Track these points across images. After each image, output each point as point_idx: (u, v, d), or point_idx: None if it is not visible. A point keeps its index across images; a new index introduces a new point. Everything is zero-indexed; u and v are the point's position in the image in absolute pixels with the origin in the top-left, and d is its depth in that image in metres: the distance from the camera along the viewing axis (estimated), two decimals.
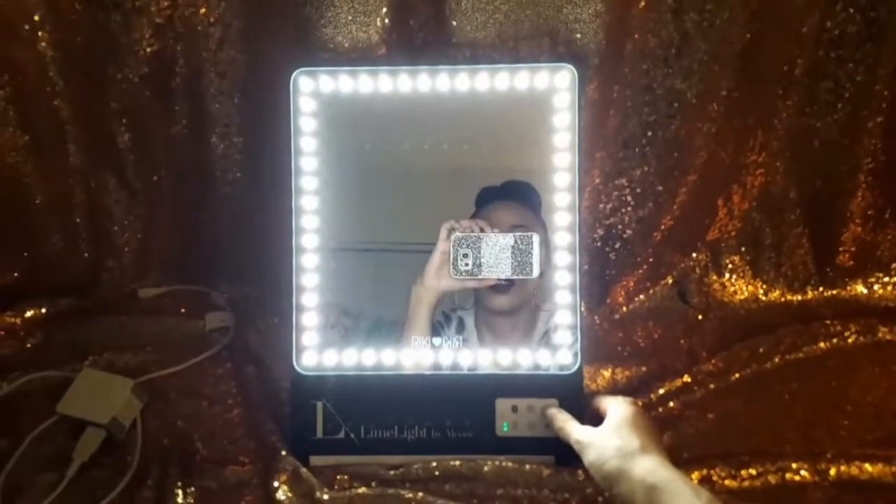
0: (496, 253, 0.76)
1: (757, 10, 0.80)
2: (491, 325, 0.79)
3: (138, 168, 0.91)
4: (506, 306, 0.79)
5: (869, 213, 0.94)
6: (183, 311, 0.97)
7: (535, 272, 0.76)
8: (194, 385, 0.87)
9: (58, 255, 0.94)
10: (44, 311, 0.95)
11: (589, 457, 0.67)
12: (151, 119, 0.88)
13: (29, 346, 0.92)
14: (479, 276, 0.77)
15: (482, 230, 0.76)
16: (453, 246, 0.76)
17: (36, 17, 0.79)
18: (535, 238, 0.76)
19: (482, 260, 0.76)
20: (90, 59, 0.83)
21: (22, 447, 0.78)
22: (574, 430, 0.71)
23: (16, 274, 0.94)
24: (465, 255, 0.76)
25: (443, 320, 0.79)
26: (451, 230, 0.77)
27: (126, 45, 0.82)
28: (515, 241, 0.76)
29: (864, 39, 0.83)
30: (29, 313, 0.94)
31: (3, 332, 0.92)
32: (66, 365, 0.88)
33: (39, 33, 0.79)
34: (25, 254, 0.93)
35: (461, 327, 0.79)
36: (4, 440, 0.79)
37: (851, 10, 0.81)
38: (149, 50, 0.83)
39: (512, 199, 0.79)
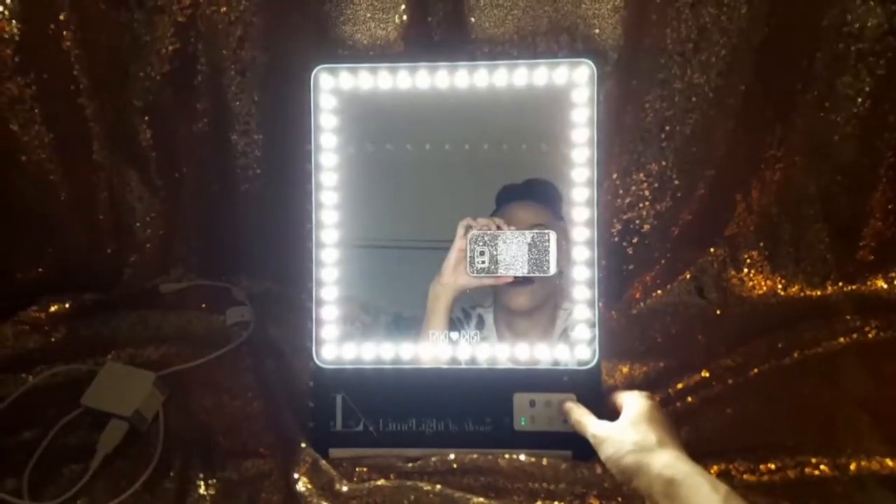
0: (513, 250, 0.76)
1: (776, 3, 0.80)
2: (510, 323, 0.80)
3: (160, 165, 0.93)
4: (524, 306, 0.79)
5: (889, 207, 0.92)
6: (204, 305, 0.99)
7: (552, 270, 0.76)
8: (215, 378, 0.88)
9: (81, 251, 0.95)
10: (67, 305, 0.96)
11: (606, 451, 0.67)
12: (173, 116, 0.89)
13: (53, 340, 0.93)
14: (496, 274, 0.77)
15: (499, 228, 0.77)
16: (470, 243, 0.77)
17: (61, 17, 0.80)
18: (552, 236, 0.76)
19: (499, 257, 0.76)
20: (113, 57, 0.84)
21: (47, 439, 0.80)
22: (591, 425, 0.71)
23: (40, 269, 0.96)
24: (482, 253, 0.76)
25: (462, 317, 0.79)
26: (468, 228, 0.77)
27: (148, 43, 0.83)
28: (532, 239, 0.76)
29: (885, 33, 0.82)
30: (53, 308, 0.96)
31: (27, 327, 0.94)
32: (90, 358, 0.90)
33: (64, 32, 0.81)
34: (50, 249, 0.95)
35: (481, 325, 0.79)
36: (30, 432, 0.81)
37: (872, 3, 0.80)
38: (171, 48, 0.84)
39: (532, 198, 0.79)
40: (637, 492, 0.62)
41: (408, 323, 0.79)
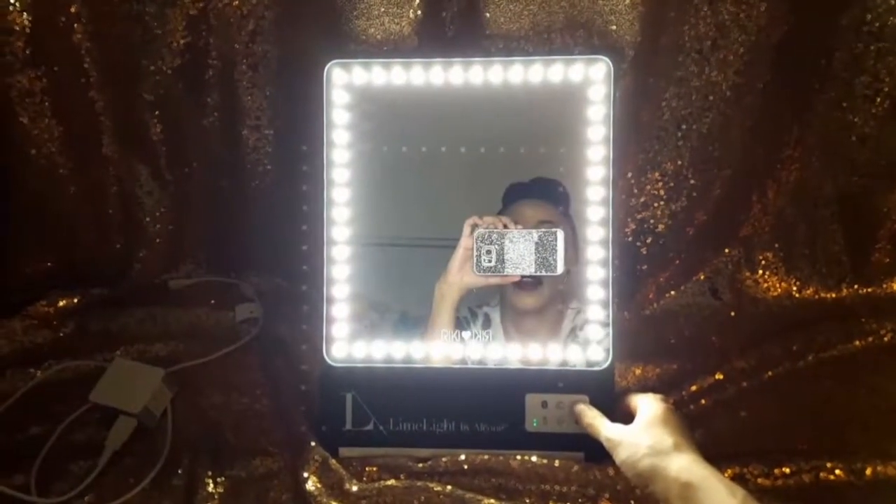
0: (519, 249, 0.75)
1: (795, 1, 0.79)
2: (517, 322, 0.79)
3: (170, 159, 0.92)
4: (532, 306, 0.78)
5: None
6: (213, 302, 0.98)
7: (559, 269, 0.75)
8: (224, 375, 0.88)
9: (90, 246, 0.95)
10: (76, 300, 0.96)
11: (621, 455, 0.66)
12: (184, 111, 0.88)
13: (62, 335, 0.93)
14: (503, 273, 0.76)
15: (505, 226, 0.76)
16: (476, 242, 0.76)
17: (72, 9, 0.79)
18: (560, 234, 0.75)
19: (505, 256, 0.76)
20: (124, 50, 0.84)
21: (55, 435, 0.80)
22: (604, 428, 0.71)
23: (49, 264, 0.95)
24: (489, 252, 0.76)
25: (469, 316, 0.79)
26: (475, 226, 0.76)
27: (160, 37, 0.83)
28: (539, 238, 0.75)
29: None
30: (62, 303, 0.95)
31: (36, 322, 0.93)
32: (98, 354, 0.89)
33: (75, 25, 0.80)
34: (58, 244, 0.94)
35: (487, 324, 0.79)
36: (38, 428, 0.81)
37: (892, 2, 0.79)
38: (182, 42, 0.83)
39: (539, 196, 0.78)
40: (654, 496, 0.62)
41: (414, 321, 0.79)
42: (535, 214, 0.77)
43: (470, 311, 0.79)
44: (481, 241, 0.76)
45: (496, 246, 0.75)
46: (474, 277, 0.76)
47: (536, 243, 0.75)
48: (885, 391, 0.84)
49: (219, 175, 0.94)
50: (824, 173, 0.91)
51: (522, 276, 0.76)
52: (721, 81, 0.82)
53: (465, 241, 0.76)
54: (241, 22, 0.82)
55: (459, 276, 0.77)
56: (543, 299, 0.78)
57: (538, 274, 0.76)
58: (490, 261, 0.75)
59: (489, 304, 0.79)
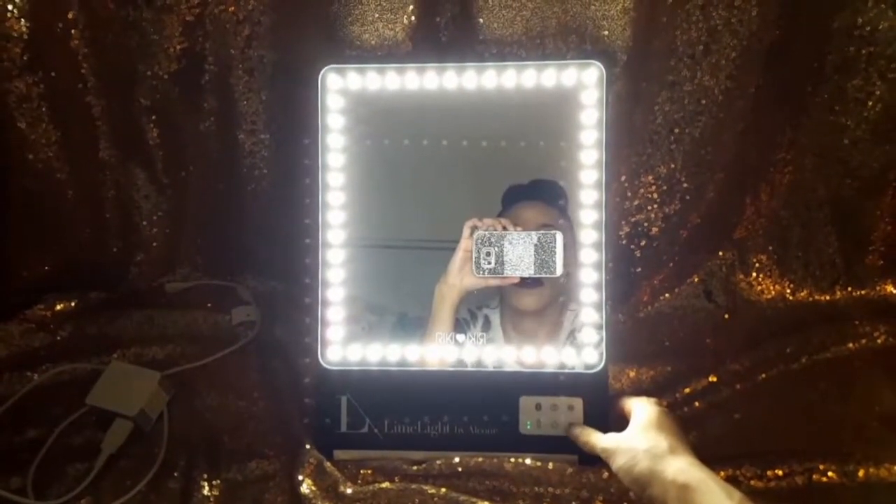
0: (519, 251, 0.76)
1: (787, 5, 0.79)
2: (517, 323, 0.79)
3: (167, 164, 0.93)
4: (532, 306, 0.78)
5: None
6: (209, 305, 0.99)
7: (558, 271, 0.75)
8: (220, 378, 0.88)
9: (87, 249, 0.95)
10: (73, 304, 0.97)
11: (618, 461, 0.66)
12: (180, 115, 0.89)
13: (59, 338, 0.93)
14: (502, 275, 0.76)
15: (505, 228, 0.76)
16: (476, 244, 0.76)
17: (69, 15, 0.80)
18: (559, 236, 0.75)
19: (505, 258, 0.76)
20: (121, 56, 0.84)
21: (52, 438, 0.80)
22: (600, 440, 0.71)
23: (46, 267, 0.96)
24: (488, 254, 0.76)
25: (469, 318, 0.79)
26: (474, 228, 0.77)
27: (156, 42, 0.83)
28: (538, 240, 0.76)
29: None
30: (59, 306, 0.96)
31: (33, 325, 0.94)
32: (95, 357, 0.89)
33: (72, 31, 0.81)
34: (56, 248, 0.95)
35: (487, 325, 0.79)
36: (34, 431, 0.81)
37: (883, 6, 0.80)
38: (178, 47, 0.84)
39: (538, 198, 0.79)
40: (651, 500, 0.62)
41: (413, 323, 0.79)
42: (535, 217, 0.78)
43: (470, 313, 0.79)
44: (481, 243, 0.76)
45: (496, 248, 0.76)
46: (474, 279, 0.77)
47: (536, 245, 0.76)
48: (879, 393, 0.84)
49: (215, 179, 0.94)
50: (817, 176, 0.91)
51: (522, 279, 0.76)
52: (713, 86, 0.83)
53: (465, 243, 0.77)
54: (237, 27, 0.82)
55: (459, 277, 0.77)
56: (544, 300, 0.78)
57: (537, 276, 0.76)
58: (489, 262, 0.76)
59: (489, 305, 0.79)
